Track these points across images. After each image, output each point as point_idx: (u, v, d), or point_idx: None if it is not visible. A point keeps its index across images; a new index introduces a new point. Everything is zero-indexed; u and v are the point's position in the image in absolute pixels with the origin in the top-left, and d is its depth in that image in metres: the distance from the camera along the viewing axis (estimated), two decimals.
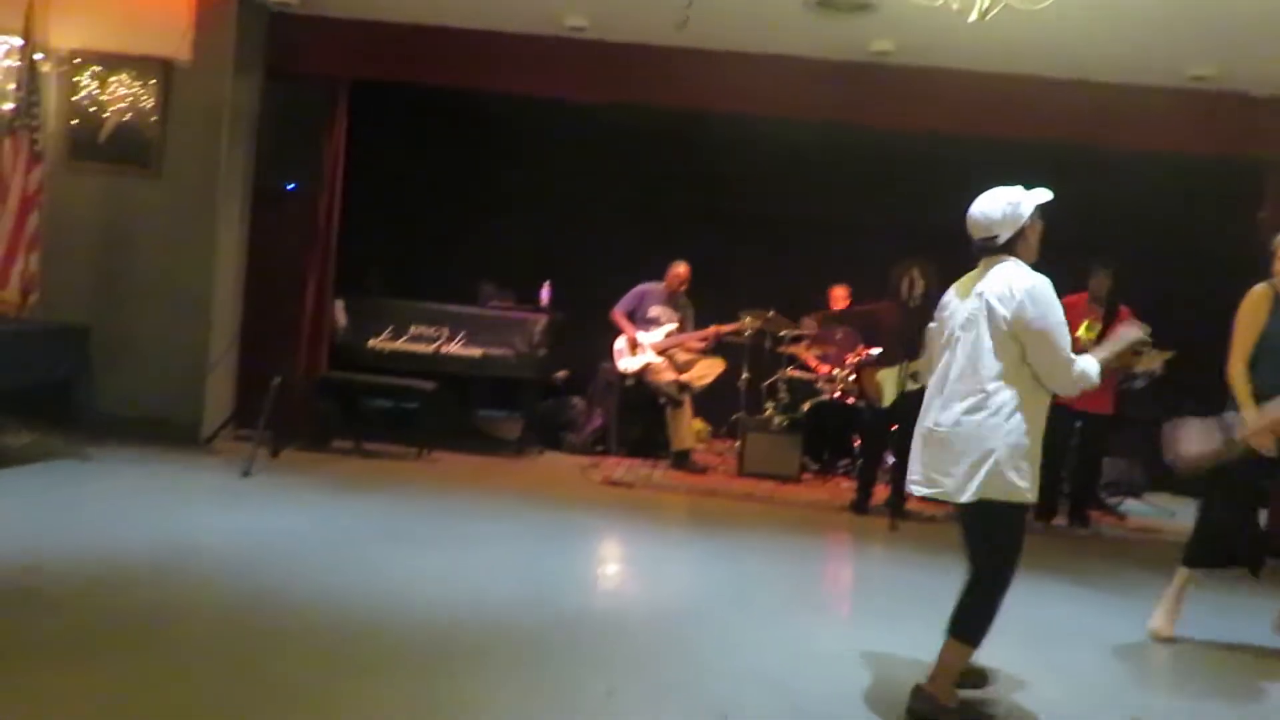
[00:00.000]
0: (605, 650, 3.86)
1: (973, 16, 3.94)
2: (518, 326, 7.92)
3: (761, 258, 9.03)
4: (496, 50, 7.17)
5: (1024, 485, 3.28)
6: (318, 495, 6.00)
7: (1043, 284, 3.29)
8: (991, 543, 3.39)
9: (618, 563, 5.56)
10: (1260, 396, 4.32)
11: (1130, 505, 8.24)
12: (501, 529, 5.69)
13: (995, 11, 3.91)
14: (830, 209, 8.90)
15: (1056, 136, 7.02)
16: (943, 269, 7.02)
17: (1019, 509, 3.33)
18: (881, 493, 7.21)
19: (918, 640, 3.93)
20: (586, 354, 8.64)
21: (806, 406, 8.29)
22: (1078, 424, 7.02)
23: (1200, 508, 4.68)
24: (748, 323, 8.21)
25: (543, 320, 7.98)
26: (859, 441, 8.12)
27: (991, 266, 3.39)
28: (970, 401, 3.31)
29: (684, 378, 8.09)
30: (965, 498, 3.31)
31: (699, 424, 8.71)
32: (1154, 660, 4.49)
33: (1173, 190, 7.77)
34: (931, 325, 3.70)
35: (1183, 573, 4.64)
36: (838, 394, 8.31)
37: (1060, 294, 7.11)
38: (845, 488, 7.72)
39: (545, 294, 8.29)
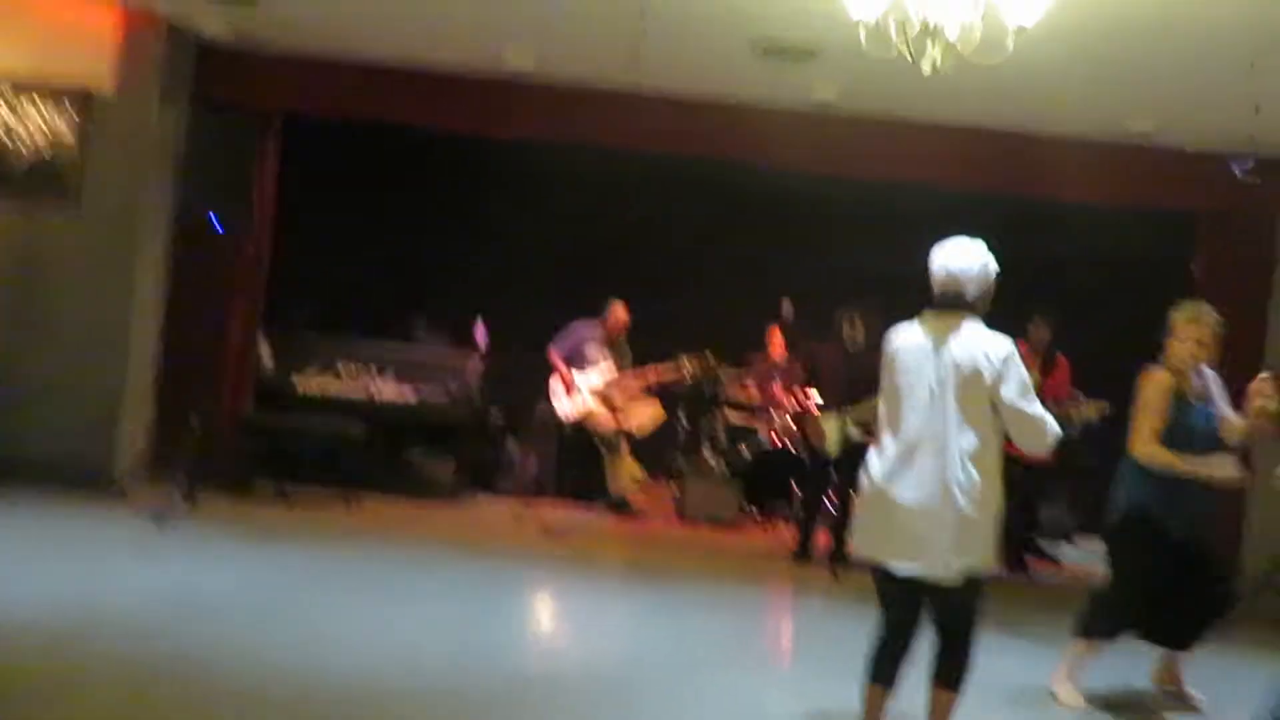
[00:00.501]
0: (545, 717, 3.65)
1: (927, 69, 3.89)
2: (452, 367, 7.70)
3: (699, 298, 8.94)
4: (433, 88, 7.01)
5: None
6: (240, 548, 5.67)
7: (1013, 346, 3.29)
8: (974, 605, 3.37)
9: (556, 619, 5.36)
10: (1155, 488, 4.31)
11: (1064, 550, 8.26)
12: (434, 584, 5.43)
13: (948, 64, 3.86)
14: (768, 253, 8.84)
15: (997, 187, 7.06)
16: (883, 314, 7.02)
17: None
18: (823, 539, 7.10)
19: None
20: (522, 395, 8.44)
21: (747, 453, 8.16)
22: (1018, 472, 6.98)
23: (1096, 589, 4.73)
24: (686, 365, 8.09)
25: (477, 361, 7.77)
26: (799, 489, 8.01)
27: (955, 323, 3.32)
28: (964, 473, 3.19)
29: (623, 422, 7.92)
30: (956, 578, 3.22)
31: (635, 467, 8.54)
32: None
33: (1110, 242, 7.87)
34: (897, 381, 3.44)
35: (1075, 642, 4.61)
36: (774, 438, 8.18)
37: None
38: (786, 534, 7.61)
39: (480, 333, 8.07)
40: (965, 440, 3.21)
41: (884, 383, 3.48)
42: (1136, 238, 7.71)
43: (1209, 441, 4.33)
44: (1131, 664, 4.76)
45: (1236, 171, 6.26)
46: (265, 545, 5.77)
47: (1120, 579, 4.51)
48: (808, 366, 7.08)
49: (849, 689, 4.09)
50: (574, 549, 6.63)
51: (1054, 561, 7.81)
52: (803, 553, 6.95)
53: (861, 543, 3.43)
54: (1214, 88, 5.60)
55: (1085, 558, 8.15)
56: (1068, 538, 8.48)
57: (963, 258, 3.35)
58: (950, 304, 3.32)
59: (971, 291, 3.31)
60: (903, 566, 3.27)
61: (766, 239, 8.81)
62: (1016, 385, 3.22)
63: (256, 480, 7.11)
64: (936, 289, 3.35)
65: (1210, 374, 4.43)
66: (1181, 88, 5.70)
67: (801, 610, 5.94)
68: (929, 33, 3.86)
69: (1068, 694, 4.56)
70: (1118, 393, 6.93)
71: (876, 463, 3.38)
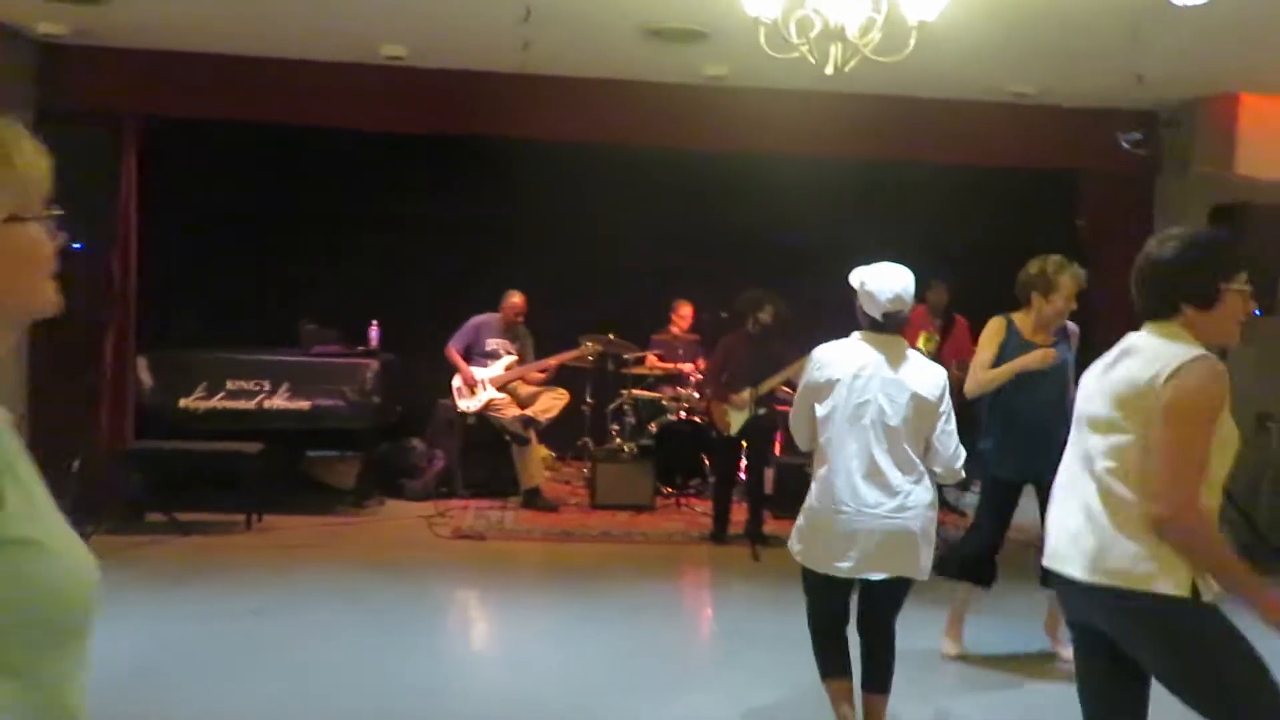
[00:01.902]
0: None
1: (829, 69, 3.74)
2: (347, 372, 7.31)
3: (598, 280, 8.75)
4: (304, 81, 6.54)
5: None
6: (132, 596, 5.24)
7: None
8: (901, 602, 3.60)
9: (479, 648, 5.17)
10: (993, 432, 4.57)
11: (967, 499, 8.46)
12: (346, 617, 5.16)
13: (853, 64, 3.72)
14: (666, 229, 8.69)
15: (890, 153, 7.03)
16: (783, 290, 6.97)
17: None
18: (738, 514, 7.08)
19: (803, 695, 3.80)
20: (422, 392, 8.15)
21: (654, 428, 8.09)
22: None
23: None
24: (589, 348, 7.94)
25: (374, 364, 7.42)
26: (710, 465, 7.99)
27: (902, 352, 3.48)
28: (917, 487, 3.41)
29: (529, 412, 7.73)
30: (925, 576, 3.49)
31: (544, 451, 8.38)
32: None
33: (999, 202, 7.97)
34: (819, 380, 3.52)
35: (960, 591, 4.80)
36: (683, 414, 8.14)
37: None
38: (701, 512, 7.58)
39: (374, 334, 7.72)
40: (916, 458, 3.42)
41: (824, 399, 3.49)
42: (1026, 198, 7.82)
43: (1054, 384, 4.43)
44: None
45: (1124, 143, 6.35)
46: (160, 592, 5.39)
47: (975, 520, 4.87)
48: (722, 359, 6.97)
49: (786, 689, 4.13)
50: (490, 555, 6.45)
51: (960, 514, 7.97)
52: (720, 532, 6.93)
53: (817, 559, 3.52)
54: (1097, 55, 5.61)
55: None
56: (965, 486, 8.69)
57: (902, 280, 3.45)
58: (894, 326, 3.44)
59: (907, 309, 3.48)
60: (873, 575, 3.47)
61: (664, 218, 8.64)
62: (951, 416, 3.45)
63: (147, 513, 6.68)
64: (879, 312, 3.42)
65: (1072, 326, 4.55)
66: (1065, 54, 5.70)
67: (729, 604, 5.89)
68: (830, 33, 3.71)
69: (950, 643, 4.81)
70: None
71: (834, 485, 3.44)
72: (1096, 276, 7.44)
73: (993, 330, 4.56)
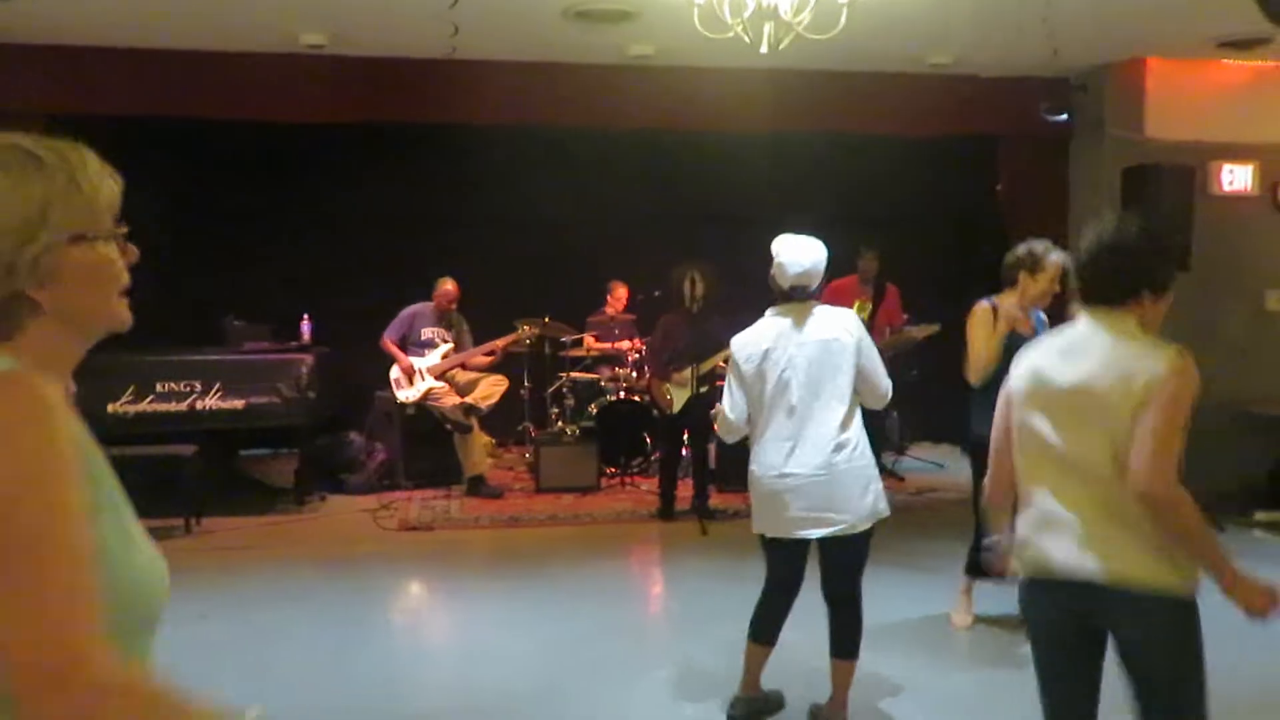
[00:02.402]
0: None
1: (764, 48, 3.79)
2: (281, 369, 7.16)
3: (531, 264, 8.72)
4: (221, 73, 6.38)
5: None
6: None
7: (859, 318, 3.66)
8: (861, 563, 3.67)
9: (436, 639, 5.15)
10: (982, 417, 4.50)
11: (903, 462, 8.69)
12: (296, 617, 5.10)
13: (786, 42, 3.77)
14: (599, 210, 8.70)
15: (818, 126, 7.12)
16: (719, 264, 7.04)
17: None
18: (684, 490, 7.17)
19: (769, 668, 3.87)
20: (359, 385, 8.05)
21: (595, 410, 8.12)
22: None
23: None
24: (525, 332, 7.92)
25: (308, 359, 7.30)
26: (652, 443, 8.05)
27: (808, 312, 3.60)
28: (845, 436, 3.51)
29: (469, 400, 7.69)
30: (867, 524, 3.54)
31: (486, 438, 8.36)
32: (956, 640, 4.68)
33: (925, 170, 8.15)
34: (775, 374, 3.60)
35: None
36: (623, 394, 8.18)
37: (829, 278, 7.34)
38: (646, 489, 7.64)
39: (306, 328, 7.60)
40: (846, 407, 3.53)
41: (753, 385, 3.63)
42: (949, 166, 8.00)
43: None
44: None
45: (1045, 117, 6.54)
46: None
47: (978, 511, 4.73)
48: (662, 337, 7.01)
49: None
50: (438, 545, 6.43)
51: (898, 478, 8.18)
52: (666, 509, 7.00)
53: (768, 525, 3.65)
54: (1011, 25, 5.76)
55: (924, 468, 8.61)
56: (903, 450, 8.93)
57: (808, 253, 3.58)
58: (802, 297, 3.58)
59: (815, 283, 3.60)
60: (815, 533, 3.56)
61: (596, 198, 8.64)
62: (869, 350, 3.57)
63: None
64: (788, 284, 3.57)
65: (1042, 318, 4.62)
66: (980, 25, 5.84)
67: (682, 580, 5.96)
68: (764, 13, 3.76)
69: (960, 616, 4.82)
70: (943, 312, 7.29)
71: (768, 453, 3.58)
72: (1016, 238, 7.71)
73: (980, 318, 4.54)
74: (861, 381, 3.55)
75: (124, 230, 1.30)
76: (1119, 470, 2.32)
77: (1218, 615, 2.38)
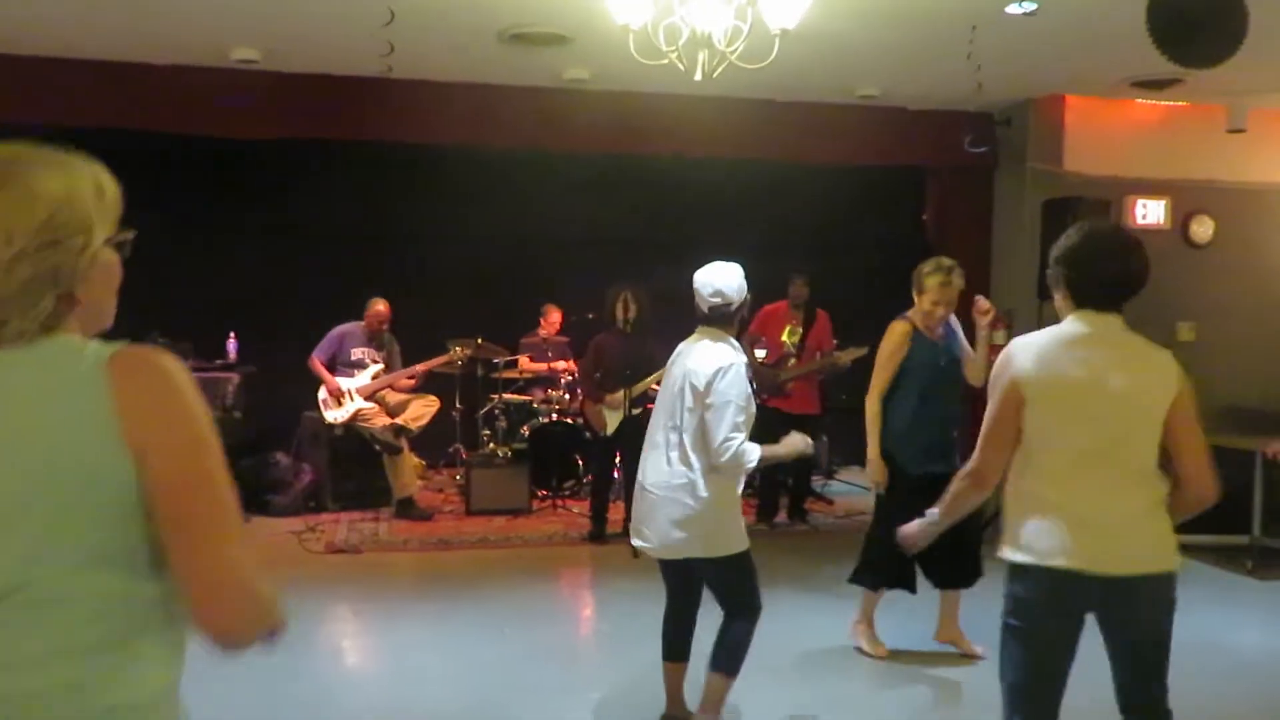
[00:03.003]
0: None
1: (698, 75, 3.86)
2: (206, 387, 7.00)
3: (465, 285, 8.70)
4: (147, 85, 6.26)
5: (743, 536, 3.63)
6: None
7: (740, 364, 3.53)
8: (720, 587, 3.70)
9: (366, 663, 5.09)
10: (895, 430, 4.61)
11: (832, 486, 8.82)
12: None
13: (720, 70, 3.85)
14: (534, 231, 8.72)
15: (749, 153, 7.25)
16: (653, 287, 7.11)
17: (746, 553, 3.64)
18: (615, 513, 7.18)
19: (696, 687, 3.90)
20: (286, 405, 7.93)
21: (527, 431, 8.10)
22: (793, 426, 7.30)
23: (867, 535, 4.99)
24: (457, 353, 7.89)
25: (234, 377, 7.19)
26: (585, 465, 8.07)
27: (701, 339, 3.63)
28: (680, 468, 3.52)
29: (400, 420, 7.62)
30: (675, 554, 3.59)
31: (416, 460, 8.29)
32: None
33: (855, 199, 8.34)
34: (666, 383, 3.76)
35: (866, 594, 4.91)
36: (555, 415, 8.19)
37: (761, 303, 7.43)
38: (578, 512, 7.64)
39: (232, 346, 7.49)
40: (682, 438, 3.53)
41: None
42: (878, 194, 8.20)
43: (951, 380, 4.66)
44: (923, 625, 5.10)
45: (968, 148, 6.76)
46: None
47: (878, 525, 4.78)
48: (595, 359, 7.05)
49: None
50: (367, 569, 6.35)
51: (827, 501, 8.30)
52: (598, 532, 7.01)
53: (635, 535, 3.75)
54: (936, 59, 5.95)
55: (851, 491, 8.75)
56: (831, 474, 9.07)
57: (725, 275, 3.63)
58: (721, 321, 3.62)
59: (733, 305, 3.62)
60: (637, 543, 3.69)
61: (530, 220, 8.66)
62: (722, 396, 3.43)
63: None
64: (705, 307, 3.62)
65: (954, 321, 4.74)
66: (907, 58, 6.01)
67: (614, 602, 5.96)
68: (698, 40, 3.84)
69: (870, 644, 4.87)
70: (872, 336, 7.43)
71: (641, 465, 3.71)
72: None
73: (895, 337, 4.64)
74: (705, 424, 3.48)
75: (128, 236, 1.44)
76: (1150, 465, 2.56)
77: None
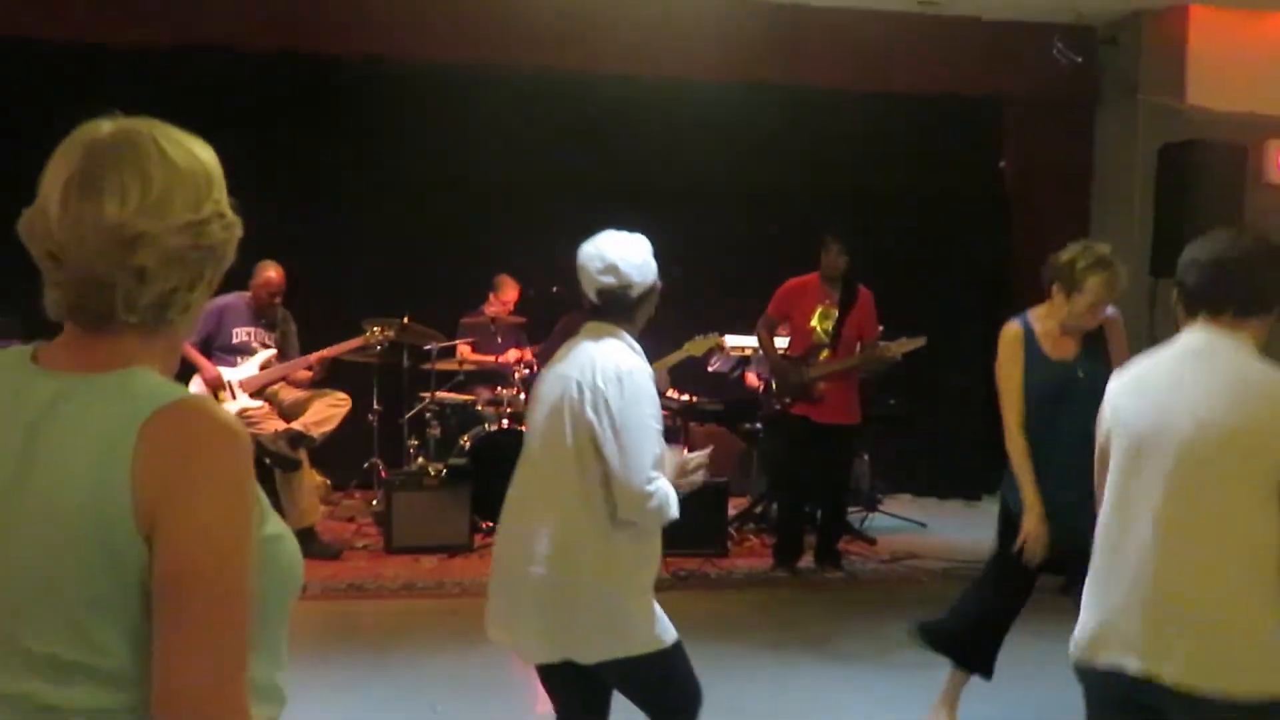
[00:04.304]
0: None
1: None
2: None
3: (389, 246, 8.62)
4: None
5: (664, 622, 3.33)
6: None
7: (646, 372, 3.31)
8: (660, 689, 3.42)
9: None
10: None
11: (875, 521, 8.79)
12: None
13: None
14: (484, 177, 8.63)
15: (774, 78, 7.22)
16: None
17: (672, 648, 3.36)
18: None
19: None
20: None
21: (467, 443, 8.04)
22: (824, 441, 7.28)
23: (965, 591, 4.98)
24: (375, 335, 7.82)
25: None
26: None
27: (588, 336, 3.38)
28: (561, 531, 3.24)
29: (297, 425, 7.54)
30: (611, 652, 3.27)
31: (318, 478, 8.21)
32: None
33: (907, 140, 8.31)
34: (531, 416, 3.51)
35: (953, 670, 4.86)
36: (506, 422, 8.12)
37: (786, 275, 7.39)
38: None
39: None
40: (567, 483, 3.25)
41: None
42: (938, 134, 8.16)
43: (1078, 410, 4.54)
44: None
45: (1057, 54, 6.72)
46: None
47: (986, 585, 4.79)
48: (558, 344, 6.97)
49: None
50: None
51: (868, 540, 8.27)
52: None
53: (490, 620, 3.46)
54: None
55: (899, 526, 8.72)
56: (874, 505, 9.04)
57: (623, 247, 3.36)
58: (615, 314, 3.37)
59: (635, 292, 3.35)
60: (493, 632, 3.43)
61: (480, 160, 8.57)
62: (622, 417, 3.18)
63: None
64: (595, 292, 3.35)
65: (1114, 319, 4.65)
66: None
67: None
68: None
69: None
70: (930, 323, 7.42)
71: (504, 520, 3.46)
72: (1023, 228, 7.92)
73: (1003, 344, 4.57)
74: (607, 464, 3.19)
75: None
76: (1265, 539, 2.50)
77: None
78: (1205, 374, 2.62)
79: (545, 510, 3.26)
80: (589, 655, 3.26)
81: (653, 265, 3.38)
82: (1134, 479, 2.67)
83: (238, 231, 1.66)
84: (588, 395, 3.20)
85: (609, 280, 3.31)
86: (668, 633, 3.32)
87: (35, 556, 1.51)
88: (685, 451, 3.57)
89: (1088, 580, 2.77)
